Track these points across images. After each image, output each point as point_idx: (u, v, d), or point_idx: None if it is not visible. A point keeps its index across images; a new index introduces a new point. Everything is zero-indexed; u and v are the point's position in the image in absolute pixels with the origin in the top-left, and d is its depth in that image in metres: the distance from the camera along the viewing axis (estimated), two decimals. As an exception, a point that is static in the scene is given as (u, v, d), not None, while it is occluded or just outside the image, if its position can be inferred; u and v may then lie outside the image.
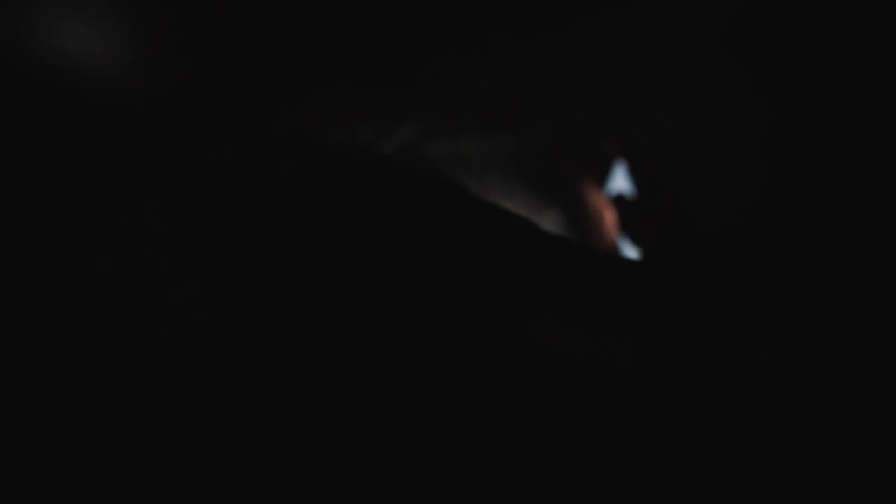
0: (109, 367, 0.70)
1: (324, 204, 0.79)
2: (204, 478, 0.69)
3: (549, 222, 1.93)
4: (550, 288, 0.80)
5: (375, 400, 0.71)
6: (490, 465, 0.69)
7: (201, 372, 0.72)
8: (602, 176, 1.91)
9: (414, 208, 0.83)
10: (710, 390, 0.74)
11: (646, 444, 0.72)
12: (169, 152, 0.79)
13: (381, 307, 0.75)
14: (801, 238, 0.91)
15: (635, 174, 1.47)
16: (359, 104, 1.57)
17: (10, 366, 0.68)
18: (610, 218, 1.77)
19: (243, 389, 0.72)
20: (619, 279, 0.83)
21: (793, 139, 0.97)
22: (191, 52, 1.04)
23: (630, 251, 1.72)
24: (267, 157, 0.82)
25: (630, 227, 1.46)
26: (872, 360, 0.78)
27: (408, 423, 0.70)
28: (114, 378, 0.70)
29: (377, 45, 1.40)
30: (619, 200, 1.55)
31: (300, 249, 0.76)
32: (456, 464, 0.69)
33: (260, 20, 1.14)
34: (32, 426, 0.67)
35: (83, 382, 0.69)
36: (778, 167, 0.98)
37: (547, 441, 0.71)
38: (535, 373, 0.74)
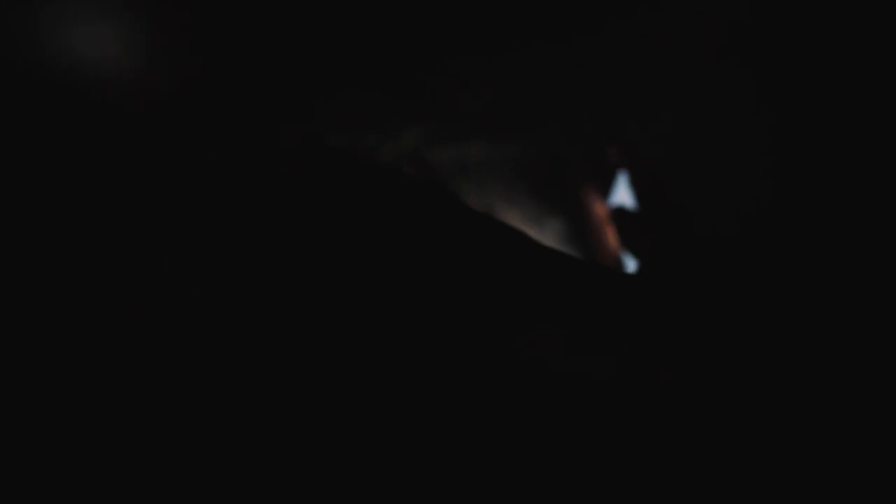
0: (109, 367, 0.70)
1: (320, 208, 0.79)
2: (201, 477, 0.69)
3: (551, 232, 1.92)
4: (539, 300, 0.80)
5: (357, 400, 0.71)
6: (460, 477, 0.69)
7: (198, 373, 0.72)
8: (606, 186, 1.91)
9: (407, 216, 0.83)
10: (697, 414, 0.74)
11: (622, 464, 0.71)
12: (169, 154, 0.79)
13: (368, 312, 0.75)
14: (806, 250, 0.90)
15: (637, 184, 1.47)
16: (363, 110, 1.57)
17: (9, 365, 0.68)
18: (612, 229, 1.77)
19: (239, 390, 0.72)
20: (612, 292, 0.83)
21: (799, 149, 0.97)
22: (195, 58, 1.04)
23: (631, 262, 1.71)
24: (267, 159, 0.82)
25: (629, 239, 1.45)
26: (880, 379, 0.78)
27: (381, 428, 0.70)
28: (113, 378, 0.70)
29: (382, 51, 1.40)
30: (619, 212, 1.54)
31: (293, 252, 0.76)
32: (428, 474, 0.69)
33: (264, 25, 1.14)
34: (32, 423, 0.67)
35: (82, 381, 0.69)
36: (784, 177, 0.98)
37: (518, 454, 0.71)
38: (516, 384, 0.74)
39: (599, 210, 1.85)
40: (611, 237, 1.78)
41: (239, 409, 0.72)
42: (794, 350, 0.77)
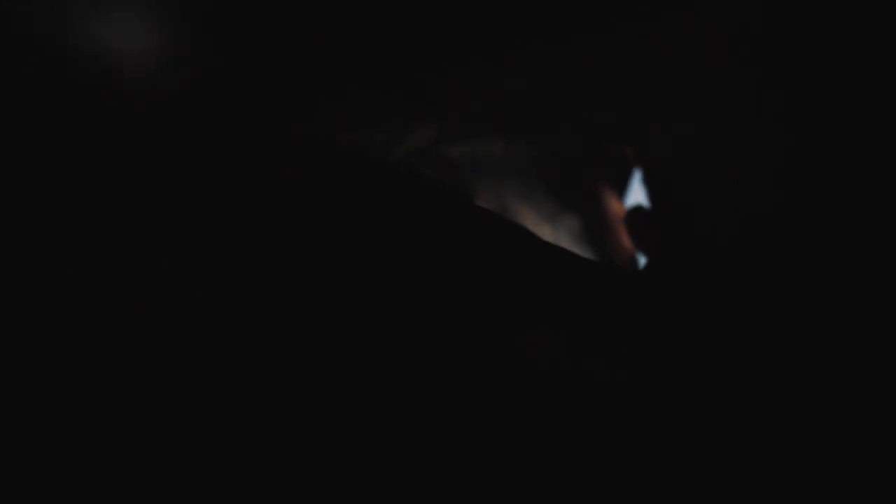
0: (109, 366, 0.71)
1: (319, 208, 0.80)
2: (201, 476, 0.70)
3: (566, 230, 1.92)
4: (541, 300, 0.80)
5: (356, 400, 0.71)
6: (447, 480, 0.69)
7: (198, 373, 0.72)
8: (622, 184, 1.89)
9: (410, 216, 0.83)
10: (698, 415, 0.73)
11: (622, 464, 0.71)
12: (169, 153, 0.80)
13: (367, 313, 0.76)
14: (814, 252, 0.89)
15: (649, 183, 1.46)
16: (377, 107, 1.58)
17: (9, 365, 0.69)
18: (626, 227, 1.76)
19: (239, 390, 0.73)
20: (614, 291, 0.82)
21: (807, 150, 0.95)
22: (200, 56, 1.05)
23: (644, 261, 1.70)
24: (267, 159, 0.83)
25: (640, 238, 1.44)
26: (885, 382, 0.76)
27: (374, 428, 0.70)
28: (113, 378, 0.71)
29: (397, 49, 1.40)
30: (632, 211, 1.53)
31: (292, 253, 0.77)
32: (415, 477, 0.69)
33: (275, 23, 1.15)
34: (32, 422, 0.68)
35: (82, 380, 0.70)
36: (789, 178, 0.97)
37: (516, 454, 0.71)
38: (515, 384, 0.74)
39: (615, 208, 1.84)
40: (625, 236, 1.77)
41: (239, 409, 0.73)
42: (797, 352, 0.76)
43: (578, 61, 1.48)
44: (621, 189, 1.83)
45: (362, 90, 1.50)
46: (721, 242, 0.98)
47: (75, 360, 0.71)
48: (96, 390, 0.70)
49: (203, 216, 0.76)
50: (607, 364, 0.77)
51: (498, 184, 1.93)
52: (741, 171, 1.04)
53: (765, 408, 0.73)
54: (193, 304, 0.73)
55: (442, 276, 0.80)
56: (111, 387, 0.70)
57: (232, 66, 1.11)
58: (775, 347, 0.78)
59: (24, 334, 0.69)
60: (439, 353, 0.76)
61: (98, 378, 0.71)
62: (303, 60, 1.30)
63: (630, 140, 1.63)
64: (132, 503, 0.67)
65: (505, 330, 0.79)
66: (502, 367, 0.76)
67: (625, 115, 1.55)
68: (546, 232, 1.85)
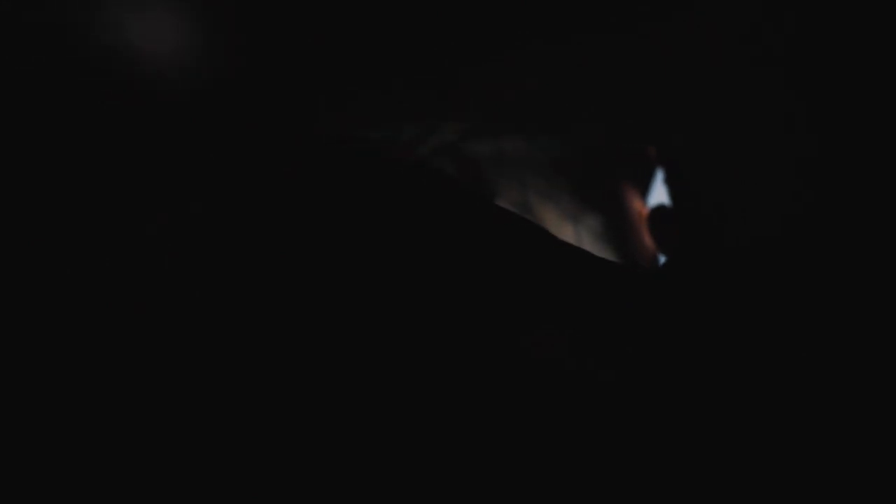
0: (109, 366, 0.72)
1: (317, 207, 0.80)
2: (200, 476, 0.71)
3: (588, 229, 1.90)
4: (548, 300, 0.79)
5: (359, 401, 0.71)
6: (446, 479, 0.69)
7: (198, 373, 0.73)
8: (645, 184, 1.87)
9: (416, 216, 0.83)
10: (702, 416, 0.72)
11: (625, 465, 0.70)
12: (170, 153, 0.81)
13: (368, 314, 0.76)
14: (840, 265, 0.87)
15: (672, 183, 1.44)
16: (402, 106, 1.58)
17: (9, 365, 0.71)
18: (648, 227, 1.74)
19: (240, 390, 0.73)
20: (622, 291, 0.81)
21: (823, 153, 0.93)
22: (226, 58, 1.06)
23: (663, 260, 1.68)
24: (269, 158, 0.83)
25: (661, 237, 1.43)
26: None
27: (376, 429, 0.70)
28: (113, 378, 0.72)
29: (421, 47, 1.41)
30: (653, 211, 1.51)
31: (291, 254, 0.77)
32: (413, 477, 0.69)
33: (294, 21, 1.16)
34: (32, 422, 0.69)
35: (82, 380, 0.72)
36: (808, 183, 0.94)
37: (518, 455, 0.70)
38: (519, 384, 0.73)
39: (637, 208, 1.82)
40: (647, 235, 1.75)
41: (240, 409, 0.73)
42: (804, 355, 0.74)
43: (606, 59, 1.47)
44: (644, 188, 1.81)
45: (388, 90, 1.51)
46: (739, 242, 0.95)
47: (75, 357, 0.72)
48: (96, 388, 0.71)
49: (200, 217, 0.77)
50: (612, 364, 0.76)
51: (521, 182, 1.92)
52: (746, 171, 1.02)
53: (768, 411, 0.72)
54: (193, 304, 0.74)
55: (444, 276, 0.79)
56: (111, 384, 0.72)
57: (254, 69, 1.13)
58: (784, 351, 0.76)
59: (25, 332, 0.70)
60: (438, 354, 0.76)
61: (98, 376, 0.72)
62: (331, 62, 1.31)
63: (652, 140, 1.61)
64: (132, 502, 0.68)
65: (510, 330, 0.78)
66: (505, 366, 0.76)
67: (651, 114, 1.53)
68: (568, 231, 1.83)
